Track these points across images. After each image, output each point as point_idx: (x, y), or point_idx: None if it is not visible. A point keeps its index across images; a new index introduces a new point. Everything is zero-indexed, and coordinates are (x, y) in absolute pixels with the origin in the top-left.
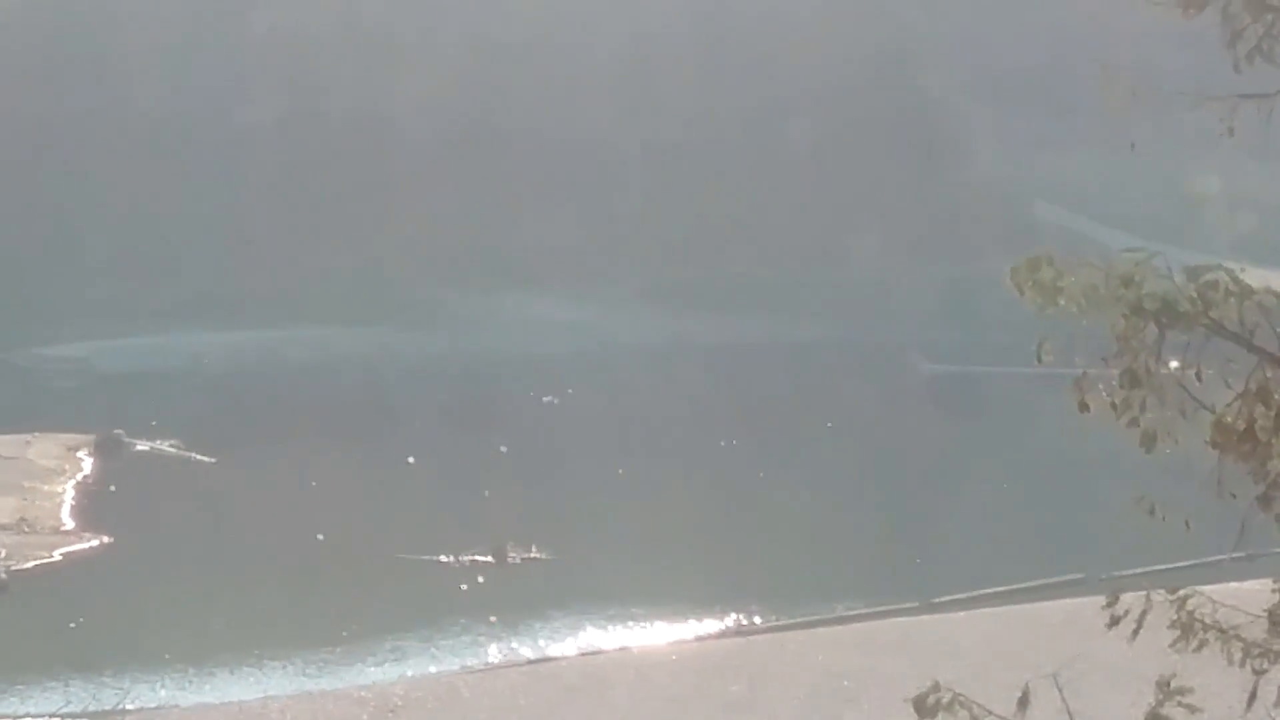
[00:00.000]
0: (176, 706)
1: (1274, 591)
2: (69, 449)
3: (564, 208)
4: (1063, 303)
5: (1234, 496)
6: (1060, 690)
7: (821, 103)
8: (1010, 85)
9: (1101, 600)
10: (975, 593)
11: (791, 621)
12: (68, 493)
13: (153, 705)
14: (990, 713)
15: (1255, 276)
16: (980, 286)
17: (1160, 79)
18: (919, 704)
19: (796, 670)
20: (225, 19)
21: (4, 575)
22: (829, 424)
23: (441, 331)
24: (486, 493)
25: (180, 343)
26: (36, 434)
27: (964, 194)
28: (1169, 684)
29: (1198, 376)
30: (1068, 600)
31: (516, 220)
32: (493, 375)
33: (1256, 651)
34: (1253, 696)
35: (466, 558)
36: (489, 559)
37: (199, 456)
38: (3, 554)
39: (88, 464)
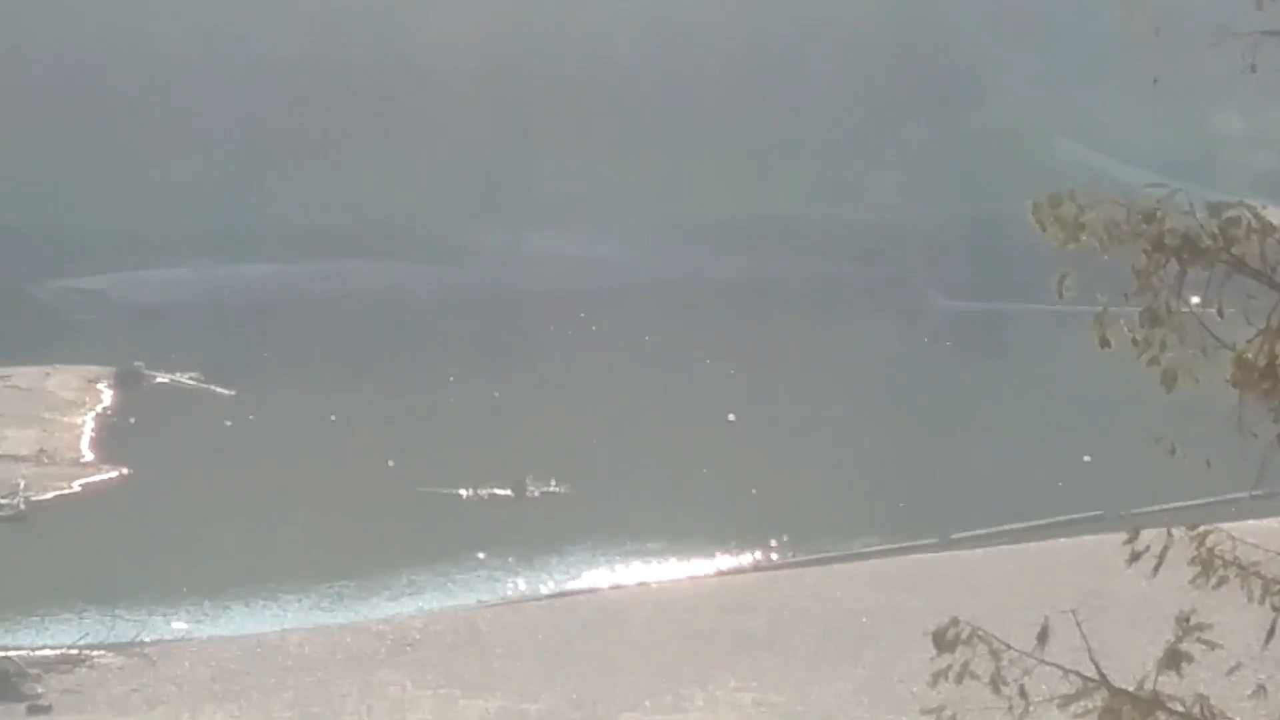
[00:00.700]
0: (194, 639)
1: None
2: (88, 381)
3: (585, 143)
4: (1084, 238)
5: (1254, 435)
6: (1079, 626)
7: (842, 39)
8: (1031, 20)
9: (1121, 537)
10: (994, 529)
11: (810, 558)
12: (87, 425)
13: (170, 638)
14: (1009, 647)
15: (1277, 214)
16: (1000, 224)
17: (1183, 15)
18: (938, 638)
19: (815, 606)
20: None
21: (24, 506)
22: (848, 360)
23: (462, 266)
24: (506, 427)
25: (200, 276)
26: (56, 366)
27: (984, 130)
28: (1188, 620)
29: (1219, 314)
30: (1087, 537)
31: (537, 155)
32: (513, 310)
33: (1276, 588)
34: (1271, 633)
35: (485, 492)
36: (508, 493)
37: (218, 389)
38: (22, 485)
39: (107, 396)
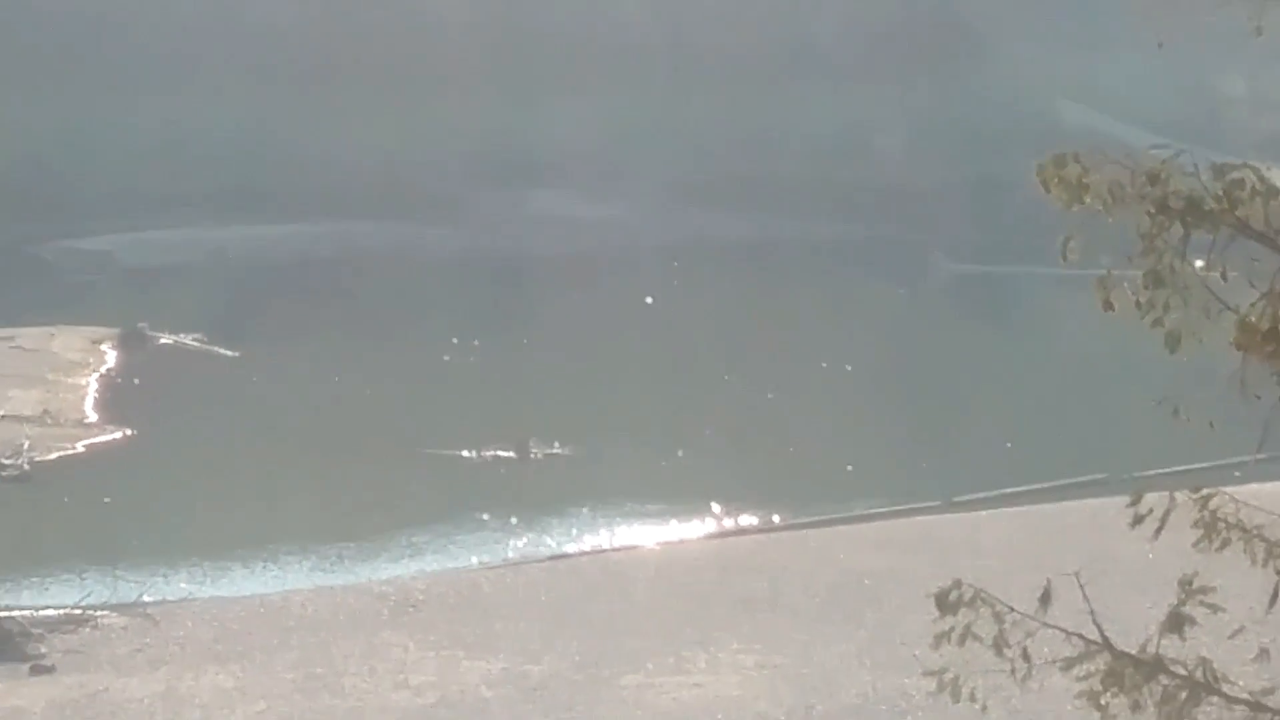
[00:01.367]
0: (197, 599)
1: None
2: (92, 342)
3: (588, 104)
4: (1088, 200)
5: (1258, 398)
6: (1082, 589)
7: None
8: None
9: (1124, 500)
10: (997, 492)
11: (813, 519)
12: (91, 385)
13: (173, 598)
14: (1012, 609)
15: None
16: (1003, 186)
17: None
18: (940, 600)
19: (818, 568)
20: None
21: (27, 466)
22: (853, 322)
23: (467, 228)
24: (510, 388)
25: (204, 237)
26: (60, 327)
27: (987, 92)
28: (1191, 583)
29: (1222, 276)
30: (1090, 500)
31: (541, 116)
32: (517, 271)
33: (1279, 552)
34: (1275, 596)
35: (488, 452)
36: (511, 454)
37: (222, 350)
38: (26, 445)
39: (111, 357)
